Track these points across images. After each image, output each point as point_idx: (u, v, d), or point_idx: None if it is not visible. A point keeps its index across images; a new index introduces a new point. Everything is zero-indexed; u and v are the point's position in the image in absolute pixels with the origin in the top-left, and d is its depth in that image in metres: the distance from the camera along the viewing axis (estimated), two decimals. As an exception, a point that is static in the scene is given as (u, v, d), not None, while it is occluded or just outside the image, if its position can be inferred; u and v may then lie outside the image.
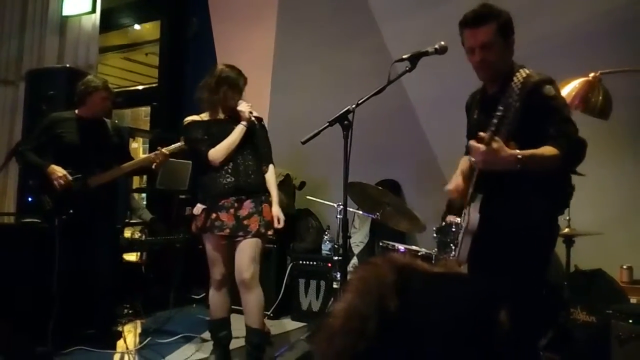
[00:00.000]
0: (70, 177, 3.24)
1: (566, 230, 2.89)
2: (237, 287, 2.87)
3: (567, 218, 2.86)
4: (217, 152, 2.83)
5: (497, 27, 1.94)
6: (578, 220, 2.91)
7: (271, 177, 3.01)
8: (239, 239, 2.82)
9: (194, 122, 2.94)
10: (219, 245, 2.88)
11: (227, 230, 2.80)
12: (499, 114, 1.74)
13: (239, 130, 2.88)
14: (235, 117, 2.93)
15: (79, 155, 3.32)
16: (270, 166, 3.04)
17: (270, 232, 2.87)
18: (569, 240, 2.95)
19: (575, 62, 3.09)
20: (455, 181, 2.19)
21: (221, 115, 2.96)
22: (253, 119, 2.94)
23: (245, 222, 2.80)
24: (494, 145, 1.73)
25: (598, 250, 3.13)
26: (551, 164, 1.80)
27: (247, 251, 2.79)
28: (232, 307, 3.04)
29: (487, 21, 1.94)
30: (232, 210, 2.82)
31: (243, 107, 2.92)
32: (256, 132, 3.00)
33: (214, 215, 2.83)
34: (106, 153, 3.43)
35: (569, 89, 2.68)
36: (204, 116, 2.97)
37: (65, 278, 3.21)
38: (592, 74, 2.71)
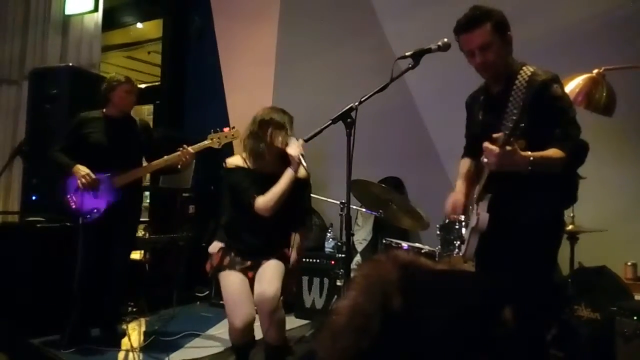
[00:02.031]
0: (94, 176, 3.21)
1: (570, 226, 2.88)
2: None
3: (572, 215, 2.85)
4: (268, 203, 2.49)
5: (491, 26, 1.95)
6: (582, 217, 2.90)
7: (297, 241, 2.68)
8: (262, 262, 2.58)
9: (239, 168, 2.62)
10: (242, 281, 2.52)
11: (249, 263, 2.56)
12: (514, 117, 1.73)
13: (288, 176, 2.53)
14: (284, 166, 2.58)
15: (106, 154, 3.29)
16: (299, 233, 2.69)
17: (289, 263, 2.63)
18: (573, 237, 2.95)
19: (579, 58, 3.07)
20: (454, 199, 2.19)
21: (266, 167, 2.62)
22: (303, 163, 2.50)
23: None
24: (509, 147, 1.73)
25: (602, 246, 3.12)
26: (557, 167, 1.84)
27: (269, 269, 2.53)
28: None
29: (481, 23, 1.96)
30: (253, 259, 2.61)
31: (293, 149, 2.51)
32: (300, 188, 2.63)
33: (232, 252, 2.60)
34: (133, 152, 3.39)
35: (572, 86, 2.67)
36: (248, 161, 2.64)
37: (85, 277, 3.23)
38: (595, 71, 2.70)
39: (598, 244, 3.08)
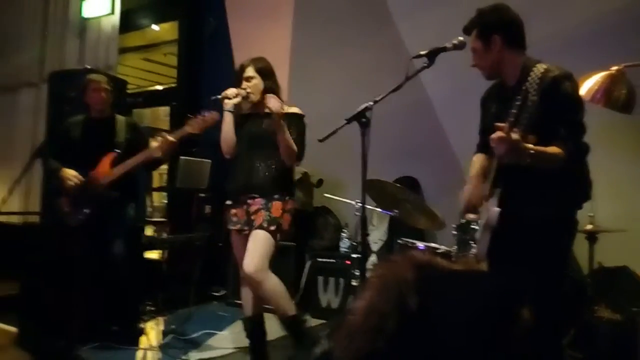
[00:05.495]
0: (81, 177, 3.28)
1: (589, 226, 2.84)
2: None
3: (591, 214, 2.80)
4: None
5: (477, 33, 2.04)
6: (602, 217, 2.86)
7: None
8: (245, 232, 2.80)
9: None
10: (236, 241, 2.88)
11: (239, 226, 2.83)
12: (517, 103, 1.73)
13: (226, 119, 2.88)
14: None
15: (84, 155, 3.35)
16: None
17: (273, 228, 2.70)
18: (592, 237, 2.90)
19: (597, 55, 3.02)
20: (470, 193, 2.17)
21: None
22: (229, 101, 2.82)
23: (252, 217, 2.76)
24: (513, 135, 1.72)
25: (622, 247, 3.07)
26: (554, 164, 1.84)
27: (250, 244, 2.69)
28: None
29: (471, 30, 2.06)
30: (244, 206, 2.82)
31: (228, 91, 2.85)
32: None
33: (233, 211, 2.86)
34: (111, 151, 3.38)
35: (591, 83, 2.63)
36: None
37: (87, 276, 3.27)
38: (615, 68, 2.65)
39: (618, 244, 3.03)
